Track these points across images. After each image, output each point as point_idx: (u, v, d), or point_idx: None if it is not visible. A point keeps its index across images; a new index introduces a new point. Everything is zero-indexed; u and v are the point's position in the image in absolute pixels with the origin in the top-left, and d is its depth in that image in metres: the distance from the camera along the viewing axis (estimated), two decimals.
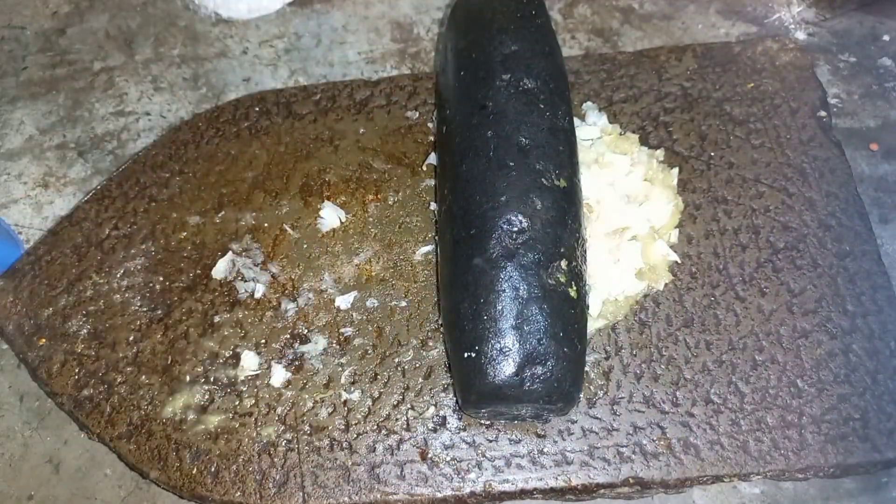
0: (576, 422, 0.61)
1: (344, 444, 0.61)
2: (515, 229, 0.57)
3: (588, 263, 0.62)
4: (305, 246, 0.71)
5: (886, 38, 0.84)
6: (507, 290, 0.55)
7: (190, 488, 0.61)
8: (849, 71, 0.82)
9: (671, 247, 0.67)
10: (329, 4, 0.92)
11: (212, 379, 0.65)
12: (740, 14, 0.88)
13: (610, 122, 0.74)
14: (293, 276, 0.69)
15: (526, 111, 0.61)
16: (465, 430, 0.62)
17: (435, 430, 0.62)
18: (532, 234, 0.57)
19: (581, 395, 0.61)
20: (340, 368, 0.65)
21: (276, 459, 0.61)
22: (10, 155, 0.83)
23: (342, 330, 0.66)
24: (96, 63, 0.89)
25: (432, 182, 0.73)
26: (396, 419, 0.62)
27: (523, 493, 0.60)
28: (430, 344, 0.65)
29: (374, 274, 0.69)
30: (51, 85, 0.88)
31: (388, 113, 0.77)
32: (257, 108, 0.79)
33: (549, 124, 0.62)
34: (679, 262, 0.67)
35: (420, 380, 0.64)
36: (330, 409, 0.63)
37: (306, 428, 0.62)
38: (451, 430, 0.62)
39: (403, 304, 0.67)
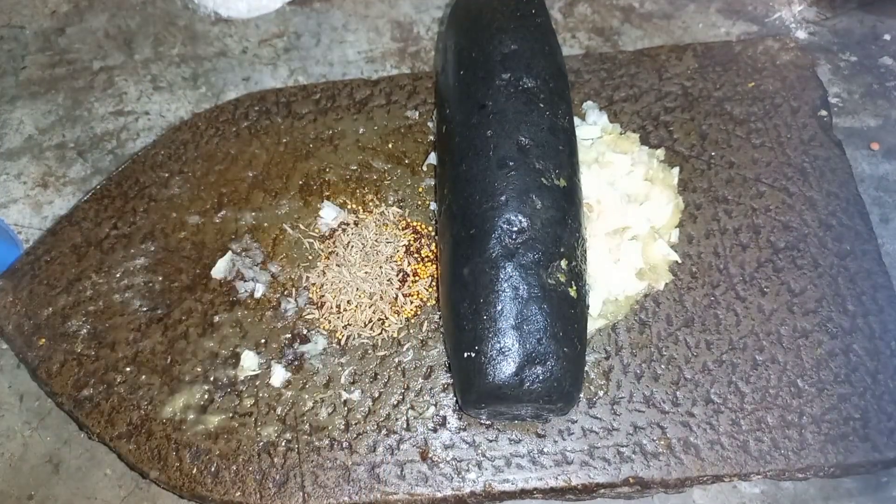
0: (576, 422, 0.61)
1: (344, 444, 0.61)
2: (515, 229, 0.57)
3: (588, 263, 0.62)
4: (305, 246, 0.71)
5: (887, 37, 0.84)
6: (506, 290, 0.55)
7: (190, 488, 0.61)
8: (849, 70, 0.82)
9: (671, 246, 0.67)
10: (329, 3, 0.92)
11: (212, 379, 0.65)
12: (741, 13, 0.88)
13: (610, 122, 0.74)
14: (293, 276, 0.69)
15: (526, 110, 0.61)
16: (465, 430, 0.62)
17: (435, 430, 0.62)
18: (532, 233, 0.57)
19: (581, 395, 0.61)
20: (340, 368, 0.65)
21: (276, 459, 0.61)
22: (9, 155, 0.83)
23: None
24: (96, 63, 0.89)
25: (432, 182, 0.73)
26: (396, 419, 0.62)
27: (523, 493, 0.60)
28: (430, 344, 0.65)
29: None
30: (50, 84, 0.88)
31: (388, 112, 0.77)
32: (257, 108, 0.79)
33: (548, 124, 0.61)
34: (679, 261, 0.67)
35: (420, 380, 0.64)
36: (330, 409, 0.63)
37: (306, 428, 0.62)
38: (451, 430, 0.62)
39: None
